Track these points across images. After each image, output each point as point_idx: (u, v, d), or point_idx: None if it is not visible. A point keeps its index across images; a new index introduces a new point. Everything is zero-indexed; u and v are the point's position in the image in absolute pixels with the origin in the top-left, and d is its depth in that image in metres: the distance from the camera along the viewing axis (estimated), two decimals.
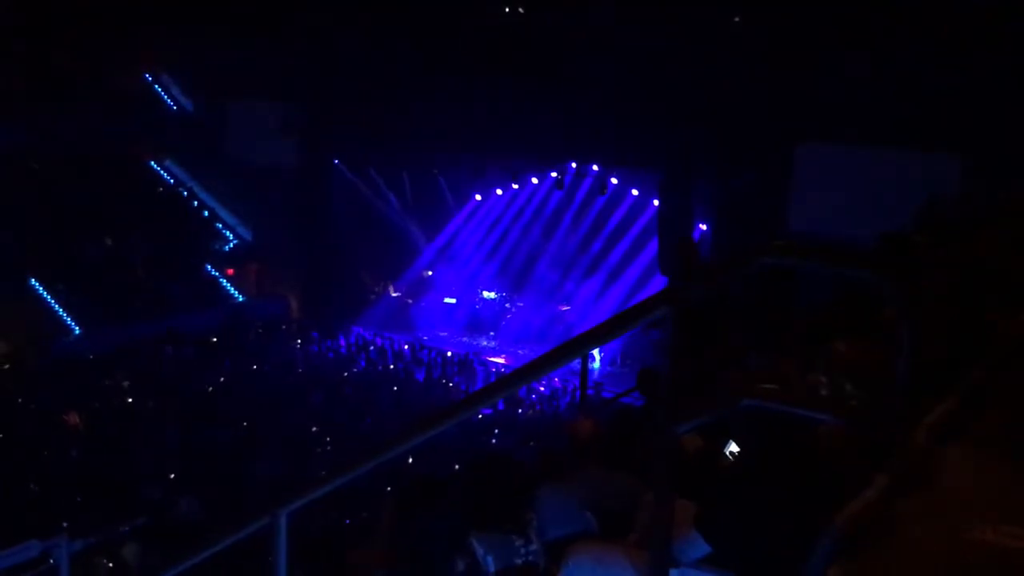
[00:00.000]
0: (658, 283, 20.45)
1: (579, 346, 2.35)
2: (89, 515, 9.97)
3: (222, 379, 18.44)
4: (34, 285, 21.10)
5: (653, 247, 21.32)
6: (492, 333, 24.44)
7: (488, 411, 15.99)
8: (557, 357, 2.28)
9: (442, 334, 24.23)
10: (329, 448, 14.41)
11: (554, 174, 22.41)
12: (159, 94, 26.69)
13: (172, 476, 12.21)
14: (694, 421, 1.90)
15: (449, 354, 21.85)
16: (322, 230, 23.97)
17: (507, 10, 20.75)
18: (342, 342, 22.79)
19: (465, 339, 24.00)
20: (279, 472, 12.64)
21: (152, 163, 26.12)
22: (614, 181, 22.06)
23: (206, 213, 25.80)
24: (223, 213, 26.01)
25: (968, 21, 14.69)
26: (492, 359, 22.32)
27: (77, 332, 20.90)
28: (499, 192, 24.85)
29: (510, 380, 2.47)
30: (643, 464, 3.43)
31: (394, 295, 25.51)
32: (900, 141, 16.35)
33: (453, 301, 25.00)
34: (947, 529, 1.43)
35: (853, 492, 1.62)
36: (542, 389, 19.68)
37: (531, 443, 13.46)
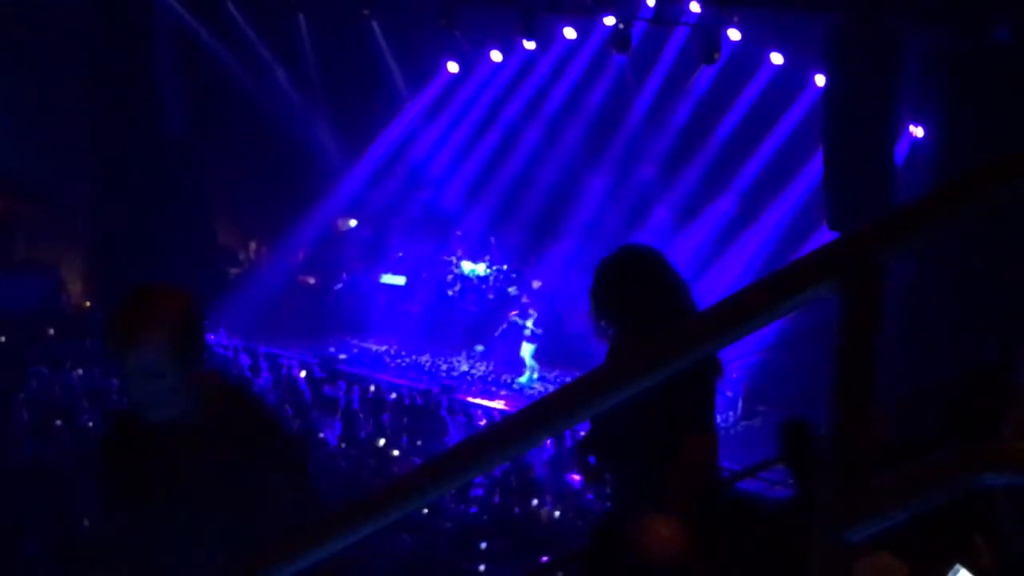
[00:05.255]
0: (822, 239, 14.33)
1: (655, 366, 1.33)
2: None
3: None
4: None
5: (813, 170, 14.65)
6: (480, 347, 16.54)
7: (474, 509, 11.51)
8: (608, 390, 1.32)
9: (377, 348, 16.58)
10: None
11: (611, 20, 14.94)
12: None
13: None
14: (884, 520, 1.21)
15: (393, 395, 14.43)
16: (131, 132, 16.09)
17: None
18: None
19: (425, 358, 16.19)
20: None
21: None
22: (735, 36, 14.72)
23: None
24: None
25: None
26: (479, 400, 15.10)
27: None
28: (496, 57, 16.82)
29: (510, 437, 1.40)
30: None
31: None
32: None
33: (400, 281, 17.21)
34: None
35: None
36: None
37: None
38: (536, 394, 14.88)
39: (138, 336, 2.41)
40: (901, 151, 13.76)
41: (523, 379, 14.85)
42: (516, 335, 15.75)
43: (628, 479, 3.66)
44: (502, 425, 1.54)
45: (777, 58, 14.77)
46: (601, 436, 3.79)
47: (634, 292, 3.76)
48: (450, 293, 16.71)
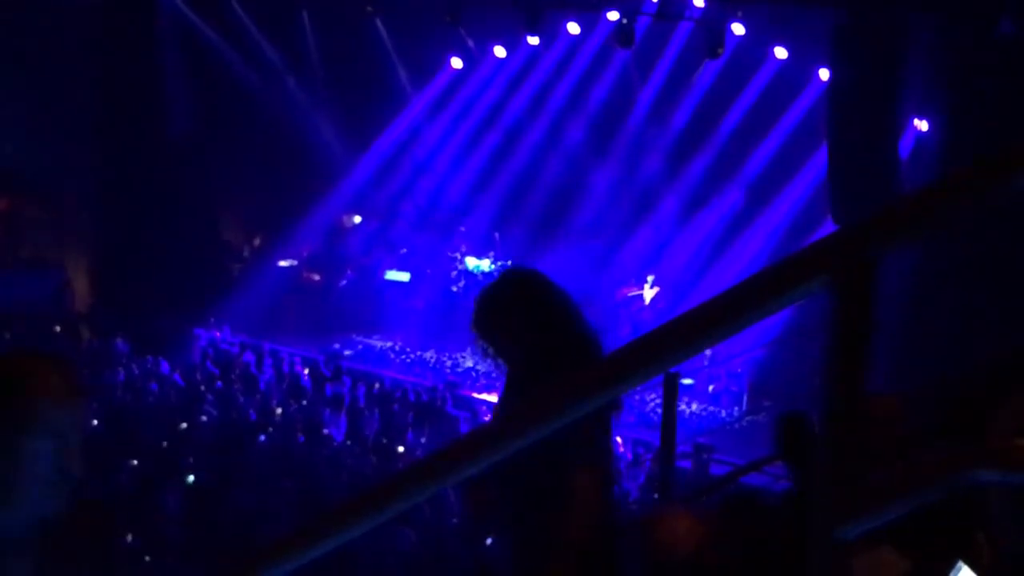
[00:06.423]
0: (827, 231, 12.17)
1: (655, 357, 1.29)
2: None
3: None
4: None
5: (818, 164, 14.38)
6: None
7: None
8: (608, 381, 1.29)
9: (382, 344, 16.33)
10: None
11: (615, 15, 14.69)
12: None
13: None
14: (878, 517, 1.19)
15: (398, 391, 14.32)
16: (135, 130, 15.70)
17: None
18: (165, 368, 13.90)
19: (430, 354, 15.95)
20: None
21: None
22: (738, 31, 14.48)
23: None
24: None
25: None
26: (484, 396, 14.85)
27: None
28: (500, 53, 16.61)
29: (511, 433, 1.33)
30: None
31: (283, 265, 17.59)
32: None
33: (405, 278, 17.05)
34: None
35: None
36: None
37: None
38: None
39: (73, 388, 1.83)
40: (906, 145, 13.58)
41: None
42: None
43: (514, 518, 3.42)
44: (500, 428, 1.47)
45: (781, 52, 14.54)
46: (489, 474, 3.37)
47: (524, 320, 3.44)
48: (454, 289, 16.25)
